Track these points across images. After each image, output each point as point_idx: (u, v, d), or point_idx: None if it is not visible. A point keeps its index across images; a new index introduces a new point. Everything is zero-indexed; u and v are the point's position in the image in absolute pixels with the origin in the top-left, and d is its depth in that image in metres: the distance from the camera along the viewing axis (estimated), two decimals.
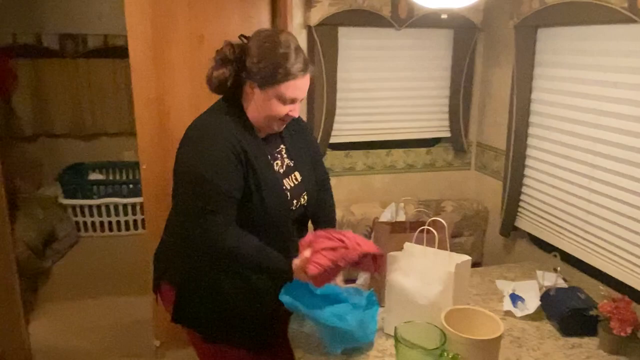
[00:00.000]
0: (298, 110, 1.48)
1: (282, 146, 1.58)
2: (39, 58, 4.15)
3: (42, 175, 4.30)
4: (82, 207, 4.05)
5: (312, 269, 1.33)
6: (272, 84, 1.38)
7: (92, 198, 4.06)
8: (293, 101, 1.43)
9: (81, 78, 4.26)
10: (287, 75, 1.38)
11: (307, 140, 1.68)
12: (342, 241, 1.37)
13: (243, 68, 1.42)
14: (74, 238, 3.96)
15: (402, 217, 2.47)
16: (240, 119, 1.46)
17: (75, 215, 4.07)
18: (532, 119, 2.26)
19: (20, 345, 2.63)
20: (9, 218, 2.54)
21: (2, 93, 4.01)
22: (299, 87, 1.41)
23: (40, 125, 4.30)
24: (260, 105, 1.43)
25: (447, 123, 2.72)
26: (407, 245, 1.46)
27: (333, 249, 1.35)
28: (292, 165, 1.57)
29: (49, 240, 3.60)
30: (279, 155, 1.56)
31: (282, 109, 1.42)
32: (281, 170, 1.54)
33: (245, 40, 1.46)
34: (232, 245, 1.38)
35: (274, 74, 1.37)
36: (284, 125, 1.51)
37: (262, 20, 2.48)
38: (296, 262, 1.39)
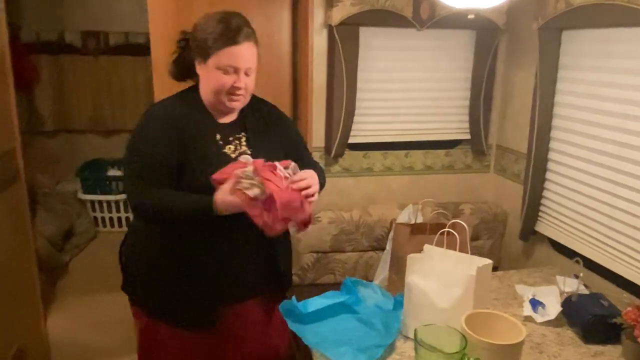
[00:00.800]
0: (248, 83, 1.47)
1: (243, 134, 1.57)
2: (61, 54, 4.22)
3: (61, 170, 4.36)
4: (100, 202, 4.11)
5: (273, 187, 1.30)
6: (211, 54, 1.42)
7: (111, 194, 4.11)
8: (236, 71, 1.43)
9: (102, 75, 4.32)
10: (223, 43, 1.40)
11: (282, 134, 1.64)
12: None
13: (189, 47, 1.48)
14: (92, 233, 4.01)
15: (419, 219, 2.45)
16: (194, 102, 1.51)
17: (94, 211, 4.13)
18: (555, 122, 2.22)
19: (39, 338, 2.67)
20: (29, 212, 2.58)
21: (24, 88, 4.07)
22: (235, 54, 1.41)
23: (60, 120, 4.37)
24: (206, 80, 1.47)
25: (467, 125, 2.69)
26: (427, 247, 1.44)
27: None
28: (249, 153, 1.54)
29: (67, 234, 3.65)
30: (236, 142, 1.55)
31: (225, 80, 1.43)
32: (232, 155, 1.53)
33: None
34: (148, 202, 1.42)
35: (211, 43, 1.41)
36: (238, 102, 1.49)
37: (283, 20, 2.48)
38: (227, 185, 1.35)
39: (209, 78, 1.45)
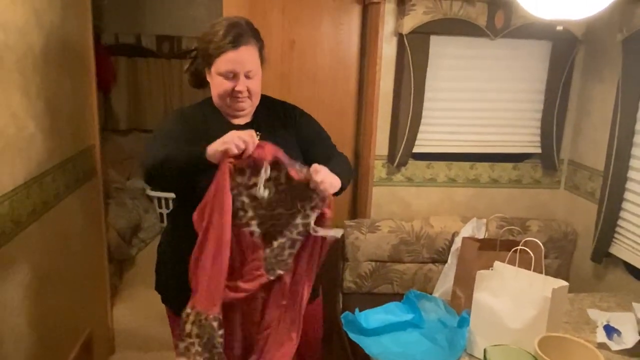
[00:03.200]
0: (251, 86, 1.48)
1: (256, 133, 1.56)
2: (137, 57, 4.44)
3: (132, 167, 4.57)
4: (166, 199, 4.27)
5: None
6: (211, 62, 1.47)
7: None
8: (235, 76, 1.46)
9: (174, 77, 4.51)
10: (218, 49, 1.44)
11: (295, 129, 1.63)
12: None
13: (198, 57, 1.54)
14: (158, 229, 4.18)
15: (484, 234, 2.38)
16: (210, 107, 1.57)
17: (160, 207, 4.29)
18: (637, 139, 2.10)
19: (105, 326, 2.80)
20: (103, 206, 2.73)
21: (103, 89, 4.31)
22: (231, 59, 1.44)
23: (134, 120, 4.58)
24: (212, 87, 1.52)
25: (537, 138, 2.59)
26: (497, 264, 1.40)
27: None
28: None
29: (135, 229, 3.82)
30: None
31: (226, 85, 1.47)
32: None
33: None
34: (152, 156, 1.39)
35: (209, 51, 1.46)
36: (243, 103, 1.51)
37: (353, 27, 2.49)
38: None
39: (214, 84, 1.51)
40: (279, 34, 2.41)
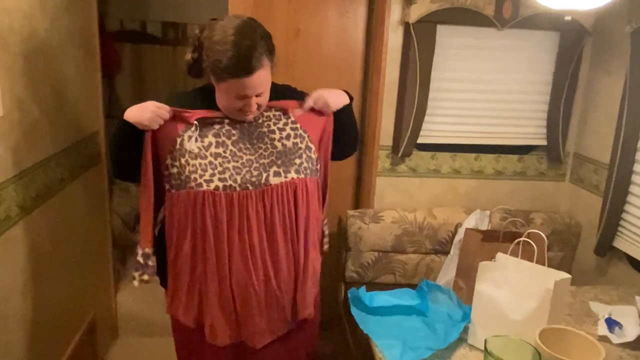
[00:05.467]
0: (260, 101, 1.42)
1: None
2: (142, 44, 4.42)
3: None
4: None
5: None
6: (220, 80, 1.37)
7: None
8: (245, 97, 1.37)
9: (179, 64, 4.48)
10: (232, 74, 1.33)
11: None
12: None
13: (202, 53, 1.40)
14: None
15: (487, 225, 2.38)
16: (204, 94, 1.49)
17: None
18: None
19: (109, 310, 2.83)
20: (108, 192, 2.74)
21: (108, 75, 4.30)
22: (244, 85, 1.34)
23: None
24: (218, 94, 1.44)
25: (543, 130, 2.58)
26: (500, 256, 1.40)
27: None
28: None
29: (139, 215, 3.82)
30: None
31: (235, 103, 1.39)
32: None
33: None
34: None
35: (221, 70, 1.34)
36: (250, 115, 1.44)
37: (358, 16, 2.47)
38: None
39: (220, 96, 1.42)
40: (283, 22, 2.40)
